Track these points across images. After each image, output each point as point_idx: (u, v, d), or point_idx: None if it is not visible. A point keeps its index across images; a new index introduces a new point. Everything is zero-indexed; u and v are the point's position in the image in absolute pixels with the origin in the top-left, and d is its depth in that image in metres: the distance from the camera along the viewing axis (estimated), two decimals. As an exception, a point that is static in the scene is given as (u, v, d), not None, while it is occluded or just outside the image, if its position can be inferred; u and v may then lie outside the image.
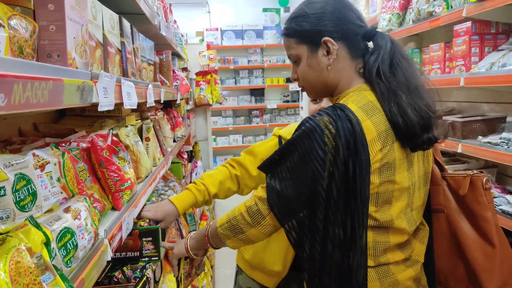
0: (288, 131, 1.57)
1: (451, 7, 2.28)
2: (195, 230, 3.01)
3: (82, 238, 0.77)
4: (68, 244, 0.71)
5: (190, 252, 1.32)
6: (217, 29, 6.80)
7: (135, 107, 1.24)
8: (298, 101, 6.77)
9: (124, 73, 1.35)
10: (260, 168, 1.13)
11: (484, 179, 1.10)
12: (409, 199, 1.06)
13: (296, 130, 1.05)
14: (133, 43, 1.49)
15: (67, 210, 0.77)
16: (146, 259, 1.30)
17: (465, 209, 1.13)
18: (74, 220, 0.76)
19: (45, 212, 0.74)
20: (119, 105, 1.60)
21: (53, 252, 0.65)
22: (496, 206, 1.89)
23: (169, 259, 1.38)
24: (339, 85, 1.12)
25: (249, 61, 7.06)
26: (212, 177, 1.60)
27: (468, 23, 2.19)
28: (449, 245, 1.14)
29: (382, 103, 1.03)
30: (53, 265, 0.61)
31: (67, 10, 0.81)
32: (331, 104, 1.34)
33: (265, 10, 7.18)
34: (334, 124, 0.98)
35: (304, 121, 1.04)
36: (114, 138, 1.24)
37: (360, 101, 1.04)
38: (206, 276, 2.69)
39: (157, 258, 1.31)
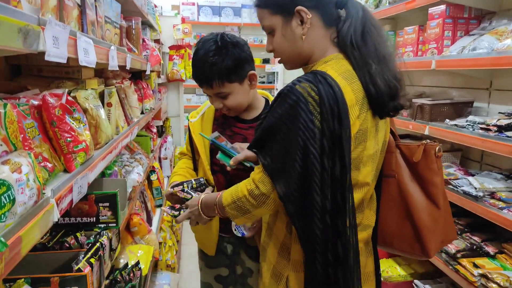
0: (197, 122, 1.61)
1: (427, -11, 2.27)
2: (161, 204, 2.96)
3: (22, 193, 0.71)
4: (2, 197, 0.65)
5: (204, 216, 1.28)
6: (193, 4, 6.59)
7: (93, 66, 1.17)
8: (274, 83, 6.72)
9: (84, 30, 1.26)
10: (250, 148, 1.12)
11: (437, 148, 1.15)
12: (373, 165, 1.11)
13: (275, 102, 1.04)
14: (95, 0, 1.40)
15: (5, 162, 0.71)
16: (103, 225, 1.24)
17: (416, 175, 1.18)
18: (13, 173, 0.70)
19: (-20, 164, 0.68)
20: (79, 68, 1.53)
21: (-18, 203, 0.59)
22: (458, 187, 1.94)
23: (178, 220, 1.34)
24: (314, 54, 1.12)
25: (226, 39, 6.92)
26: (180, 166, 1.65)
27: (443, 6, 2.19)
28: (397, 207, 1.20)
29: (357, 72, 1.05)
30: (-19, 216, 0.56)
31: None
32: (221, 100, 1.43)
33: (244, -13, 7.02)
34: (316, 90, 0.98)
35: (284, 92, 1.01)
36: (70, 98, 1.17)
37: (340, 68, 1.05)
38: (170, 250, 2.66)
39: (115, 224, 1.26)
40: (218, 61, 1.37)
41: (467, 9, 2.22)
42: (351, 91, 1.01)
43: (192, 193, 1.35)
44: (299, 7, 1.07)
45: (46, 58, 0.82)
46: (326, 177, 0.98)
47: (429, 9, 2.30)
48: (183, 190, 1.35)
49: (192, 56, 1.48)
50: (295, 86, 1.00)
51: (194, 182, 1.42)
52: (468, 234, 2.01)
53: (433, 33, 2.26)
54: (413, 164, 1.18)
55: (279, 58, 1.18)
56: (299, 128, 0.97)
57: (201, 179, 1.43)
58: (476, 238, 1.96)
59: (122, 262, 1.61)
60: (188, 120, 1.64)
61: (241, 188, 1.11)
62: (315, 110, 0.97)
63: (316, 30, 1.10)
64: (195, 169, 1.65)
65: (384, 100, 1.04)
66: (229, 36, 1.44)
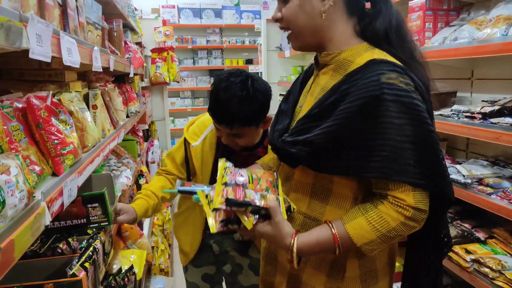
0: (198, 147, 1.60)
1: (407, -18, 2.31)
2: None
3: (12, 195, 0.68)
4: (-8, 199, 0.62)
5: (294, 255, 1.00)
6: (174, 7, 6.55)
7: (77, 66, 1.14)
8: (258, 83, 6.72)
9: (66, 30, 1.23)
10: (381, 177, 0.95)
11: None
12: None
13: (369, 109, 0.91)
14: (76, 0, 1.37)
15: (-8, 164, 0.68)
16: (96, 225, 1.21)
17: None
18: (1, 174, 0.67)
19: (-34, 167, 0.65)
20: (62, 70, 1.49)
21: (-28, 205, 0.57)
22: (446, 176, 1.97)
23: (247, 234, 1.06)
24: (334, 39, 1.03)
25: (207, 41, 6.89)
26: (154, 184, 1.66)
27: (423, -1, 2.22)
28: None
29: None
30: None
31: None
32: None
33: (224, -11, 7.01)
34: (408, 78, 0.95)
35: (380, 94, 0.90)
36: (55, 100, 1.14)
37: (392, 58, 0.99)
38: (163, 254, 2.62)
39: (107, 223, 1.23)
40: (245, 109, 1.34)
41: (446, 0, 2.25)
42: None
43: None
44: None
45: (30, 55, 0.79)
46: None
47: (409, 2, 2.33)
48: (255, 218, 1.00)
49: (212, 90, 1.39)
50: (386, 81, 0.91)
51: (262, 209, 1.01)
52: (458, 221, 2.04)
53: (414, 26, 2.29)
54: None
55: (287, 33, 1.07)
56: (425, 119, 0.93)
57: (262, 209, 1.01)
58: (466, 225, 1.99)
59: (115, 267, 1.58)
60: (185, 139, 1.62)
61: (386, 218, 0.95)
62: (418, 96, 0.94)
63: (338, 13, 1.01)
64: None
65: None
66: (257, 81, 1.38)
